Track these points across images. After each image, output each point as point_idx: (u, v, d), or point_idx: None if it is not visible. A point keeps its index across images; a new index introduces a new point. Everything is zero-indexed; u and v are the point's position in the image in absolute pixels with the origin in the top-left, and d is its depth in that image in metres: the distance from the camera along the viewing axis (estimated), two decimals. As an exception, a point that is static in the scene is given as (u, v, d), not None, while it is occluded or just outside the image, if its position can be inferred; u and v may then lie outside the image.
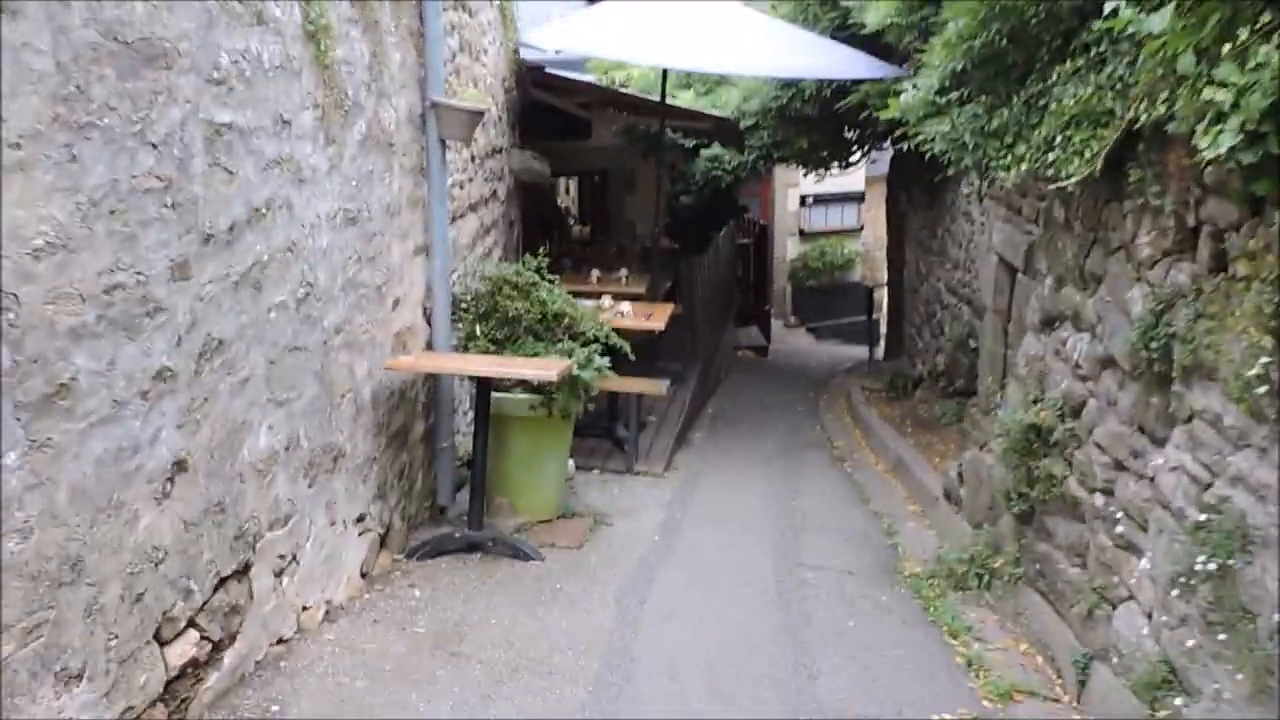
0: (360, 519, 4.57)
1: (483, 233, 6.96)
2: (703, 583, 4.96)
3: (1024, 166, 4.64)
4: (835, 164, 12.65)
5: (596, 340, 5.77)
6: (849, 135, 11.22)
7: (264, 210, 3.53)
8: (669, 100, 10.53)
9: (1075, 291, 4.55)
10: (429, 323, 5.45)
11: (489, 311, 5.59)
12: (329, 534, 4.18)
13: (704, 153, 12.62)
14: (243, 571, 3.45)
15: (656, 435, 7.92)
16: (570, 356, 5.48)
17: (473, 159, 6.58)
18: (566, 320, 5.73)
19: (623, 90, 12.02)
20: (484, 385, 5.05)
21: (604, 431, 7.69)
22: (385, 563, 4.82)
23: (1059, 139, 4.22)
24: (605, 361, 5.62)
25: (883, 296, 14.65)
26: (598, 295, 7.72)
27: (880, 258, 19.75)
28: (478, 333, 5.57)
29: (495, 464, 5.70)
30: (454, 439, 5.79)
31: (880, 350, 14.30)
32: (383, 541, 4.89)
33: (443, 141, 5.20)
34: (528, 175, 8.36)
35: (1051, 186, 4.43)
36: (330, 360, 4.16)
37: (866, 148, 11.95)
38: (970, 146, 5.17)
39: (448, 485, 5.70)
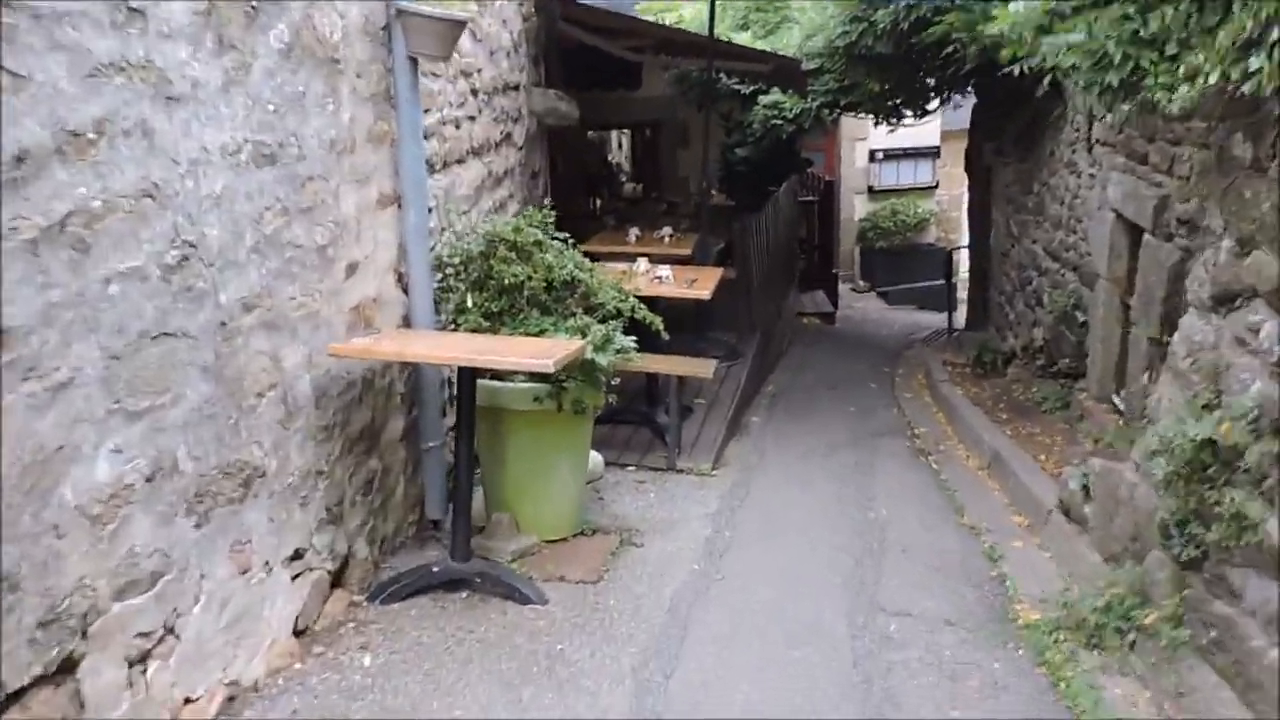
0: (296, 556, 3.46)
1: (492, 183, 5.77)
2: (752, 640, 3.76)
3: (1204, 80, 3.30)
4: (910, 113, 11.19)
5: (619, 314, 4.57)
6: (927, 80, 9.76)
7: (93, 135, 2.38)
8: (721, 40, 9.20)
9: (1273, 258, 3.21)
10: (406, 292, 4.31)
11: (482, 279, 4.41)
12: (236, 587, 3.07)
13: (762, 100, 11.25)
14: (62, 672, 2.35)
15: (705, 422, 6.71)
16: (585, 335, 4.30)
17: (474, 92, 5.38)
18: (581, 289, 4.54)
19: (667, 26, 10.72)
20: (467, 373, 3.89)
21: (642, 418, 6.51)
22: (338, 609, 3.71)
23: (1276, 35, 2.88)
24: (630, 341, 4.42)
25: (961, 259, 13.17)
26: (635, 257, 6.53)
27: (957, 218, 18.16)
28: (469, 305, 4.41)
29: (493, 471, 4.56)
30: (447, 436, 4.68)
31: (960, 319, 12.86)
32: (337, 579, 3.79)
33: (414, 60, 4.01)
34: (553, 118, 7.14)
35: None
36: (234, 348, 3.03)
37: (946, 93, 10.46)
38: (1116, 60, 3.82)
39: (439, 494, 4.59)
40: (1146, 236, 5.76)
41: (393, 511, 4.36)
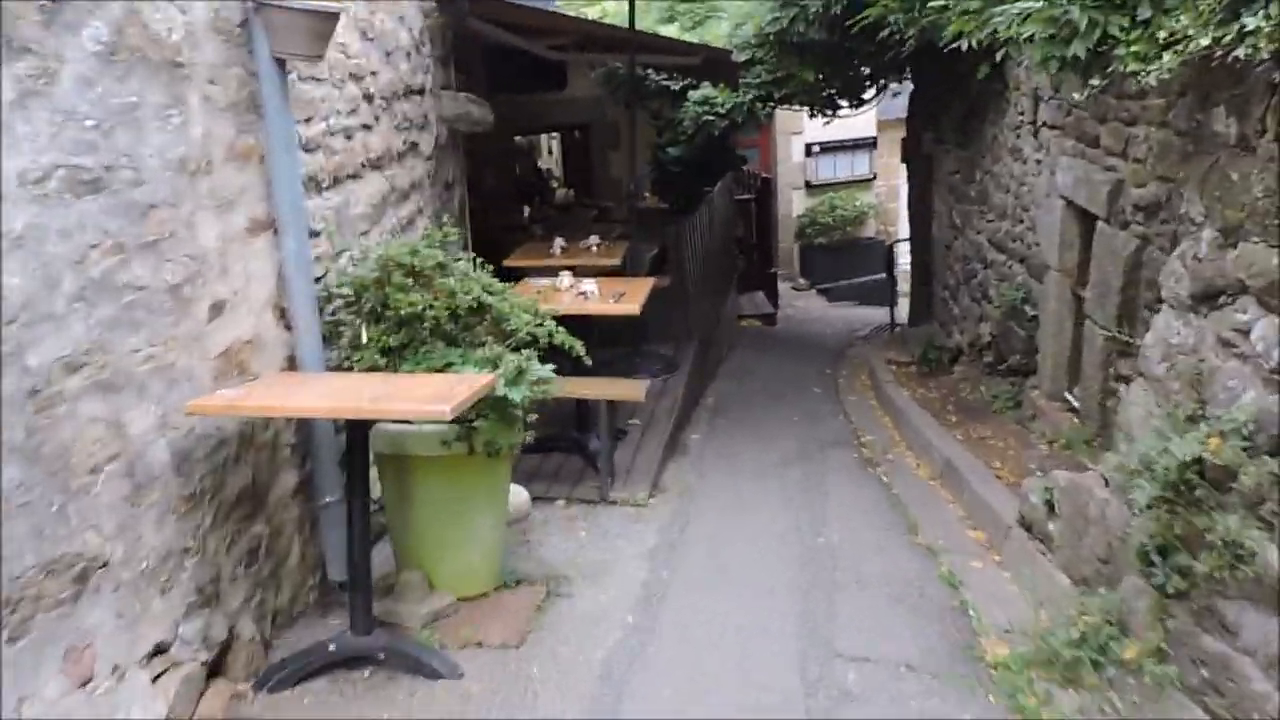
0: (158, 651, 2.94)
1: (396, 198, 5.27)
2: (694, 709, 3.33)
3: (1187, 47, 2.93)
4: (846, 103, 10.88)
5: (535, 341, 4.11)
6: (863, 68, 9.43)
7: None
8: (645, 31, 8.77)
9: (1268, 250, 2.86)
10: (290, 330, 3.80)
11: (378, 310, 3.92)
12: (74, 703, 2.55)
13: (693, 95, 10.83)
14: None
15: (640, 445, 6.27)
16: (498, 366, 3.83)
17: (369, 98, 4.88)
18: (490, 315, 4.07)
19: (589, 21, 10.27)
20: (358, 427, 3.40)
21: (573, 444, 6.05)
22: (217, 705, 3.19)
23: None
24: (547, 370, 3.96)
25: (902, 253, 12.92)
26: (560, 271, 6.08)
27: (896, 210, 17.96)
28: (365, 339, 3.91)
29: (401, 524, 4.07)
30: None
31: (903, 313, 12.60)
32: (216, 668, 3.27)
33: (281, 62, 3.50)
34: (466, 124, 6.65)
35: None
36: (54, 418, 2.51)
37: (883, 81, 10.16)
38: (1081, 28, 3.46)
39: (341, 554, 4.08)
40: (1100, 225, 5.45)
41: (287, 578, 3.85)
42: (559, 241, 7.06)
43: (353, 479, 3.43)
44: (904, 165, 17.16)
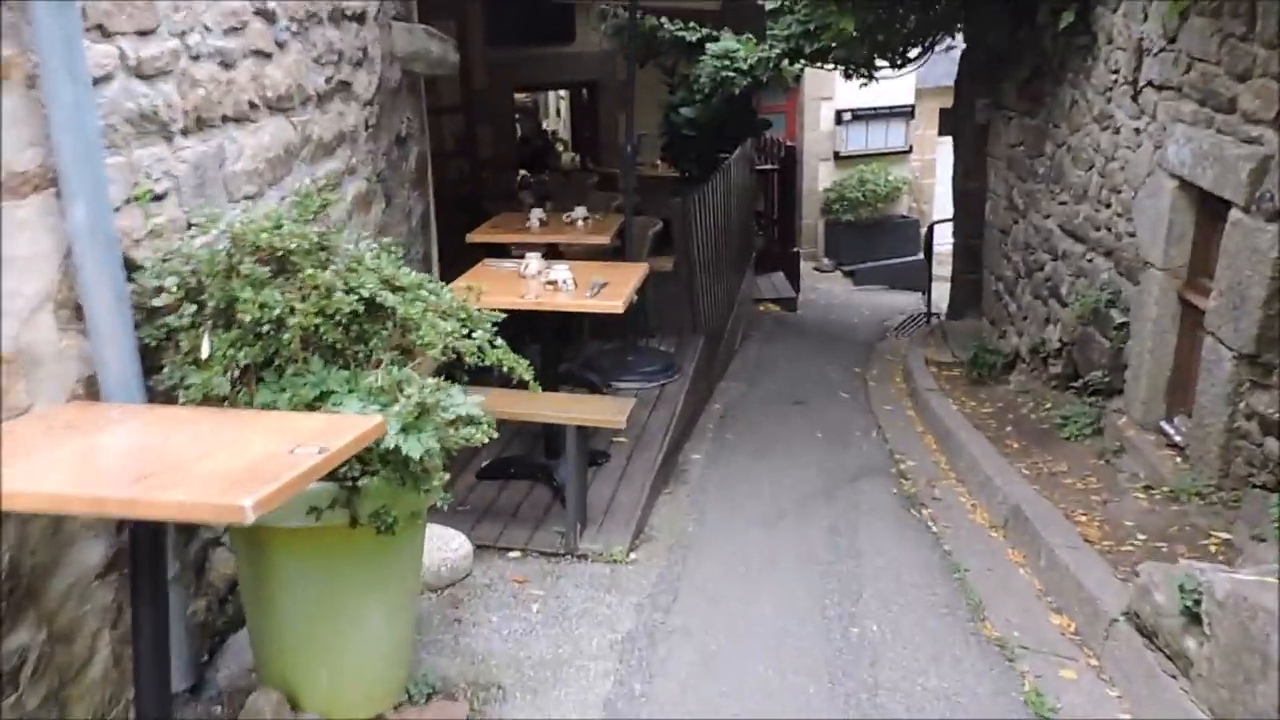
0: None
1: (312, 152, 4.01)
2: None
3: None
4: (887, 62, 9.50)
5: (459, 359, 2.85)
6: (909, 17, 8.03)
7: None
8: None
9: None
10: (88, 338, 2.56)
11: (228, 311, 2.66)
12: None
13: (710, 49, 9.49)
14: None
15: (625, 474, 5.00)
16: (400, 397, 2.59)
17: (266, 16, 3.60)
18: (396, 320, 2.80)
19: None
20: (143, 529, 2.16)
21: (539, 471, 4.82)
22: None
23: None
24: (473, 403, 2.71)
25: (941, 235, 11.54)
26: (540, 249, 4.84)
27: (931, 186, 16.53)
28: (207, 353, 2.66)
29: (259, 622, 2.85)
30: (208, 554, 2.99)
31: (939, 302, 11.27)
32: None
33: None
34: (423, 64, 5.36)
35: None
36: None
37: (935, 36, 8.75)
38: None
39: (187, 650, 2.90)
40: (1235, 214, 4.13)
41: (86, 697, 2.64)
42: (536, 214, 5.78)
43: (137, 592, 2.19)
44: (945, 137, 15.78)
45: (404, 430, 2.52)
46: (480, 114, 12.80)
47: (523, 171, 11.90)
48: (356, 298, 2.66)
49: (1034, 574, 4.24)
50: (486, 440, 2.75)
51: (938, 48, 9.16)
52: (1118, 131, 5.55)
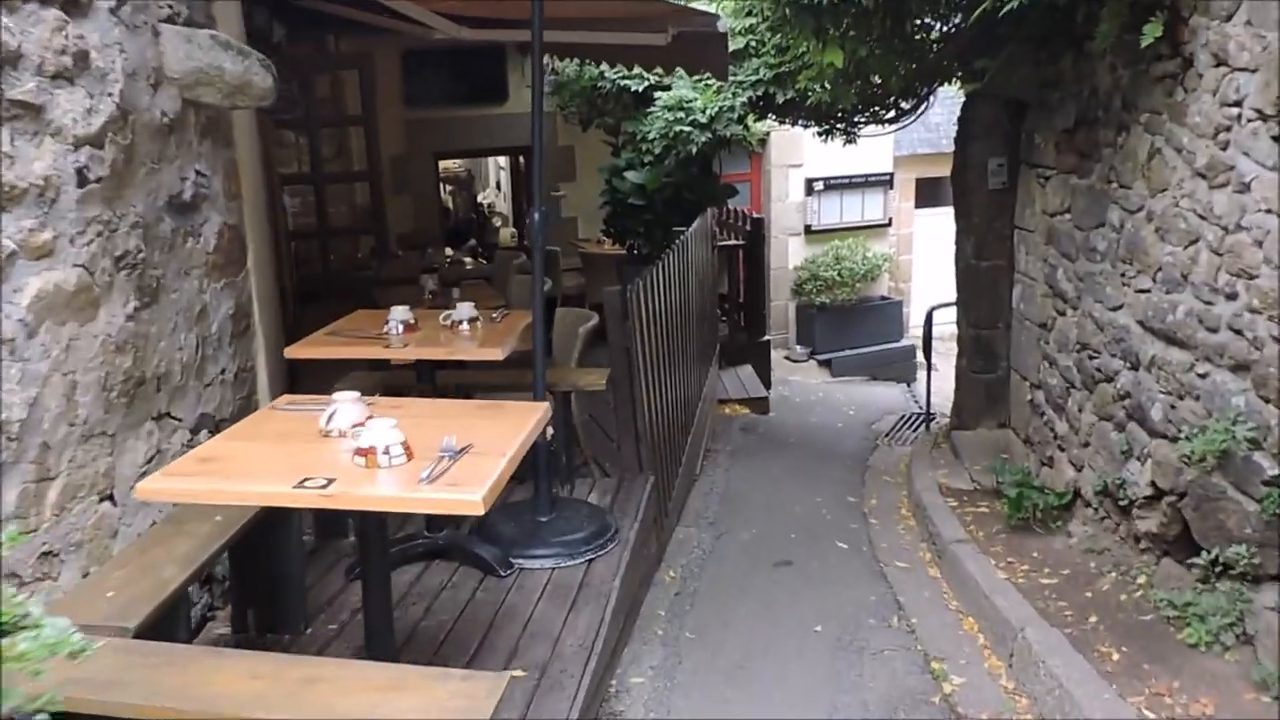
0: None
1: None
2: None
3: None
4: (871, 117, 7.86)
5: None
6: (911, 54, 6.30)
7: None
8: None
9: None
10: None
11: None
12: None
13: (661, 99, 7.75)
14: None
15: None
16: None
17: None
18: None
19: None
20: None
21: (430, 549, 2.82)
22: None
23: None
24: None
25: (927, 321, 9.80)
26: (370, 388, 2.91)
27: (908, 263, 14.91)
28: None
29: None
30: None
31: (935, 399, 9.49)
32: None
33: None
34: (217, 91, 3.51)
35: None
36: None
37: (933, 84, 7.09)
38: None
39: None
40: None
41: None
42: (398, 314, 3.84)
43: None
44: (924, 209, 14.19)
45: None
46: (395, 183, 11.04)
47: (449, 250, 10.13)
48: None
49: None
50: None
51: (929, 100, 7.52)
52: (1246, 189, 3.80)
